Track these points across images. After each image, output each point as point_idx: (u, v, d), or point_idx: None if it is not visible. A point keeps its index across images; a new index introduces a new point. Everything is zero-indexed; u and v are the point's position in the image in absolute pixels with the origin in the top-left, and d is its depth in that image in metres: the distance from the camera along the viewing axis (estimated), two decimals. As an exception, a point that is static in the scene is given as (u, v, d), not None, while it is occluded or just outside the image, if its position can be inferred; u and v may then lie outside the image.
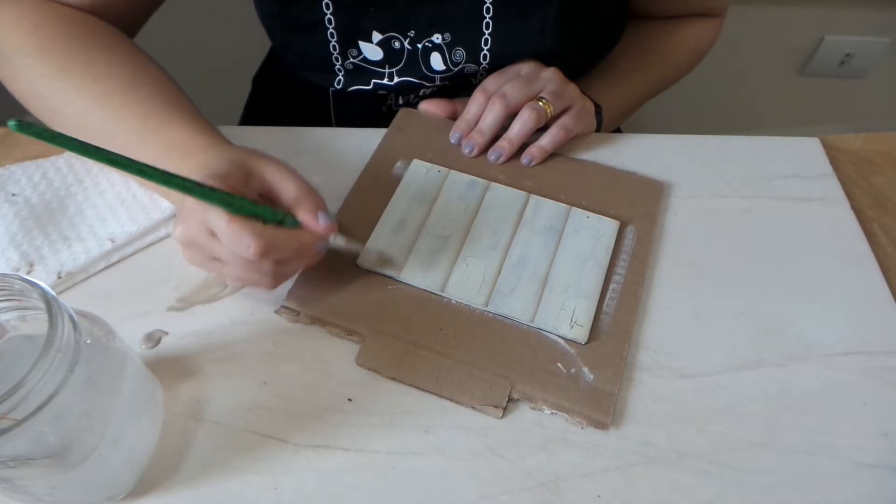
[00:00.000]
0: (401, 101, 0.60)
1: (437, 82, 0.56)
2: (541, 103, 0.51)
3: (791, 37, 1.21)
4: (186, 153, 0.42)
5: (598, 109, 0.55)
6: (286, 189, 0.40)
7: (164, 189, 0.39)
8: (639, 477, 0.38)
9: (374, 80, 0.57)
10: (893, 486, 0.38)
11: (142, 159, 0.41)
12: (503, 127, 0.52)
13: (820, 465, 0.38)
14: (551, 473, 0.38)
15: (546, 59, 0.54)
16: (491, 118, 0.51)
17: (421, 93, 0.58)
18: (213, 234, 0.38)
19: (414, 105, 0.58)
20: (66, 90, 0.46)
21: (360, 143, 0.53)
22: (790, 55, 1.25)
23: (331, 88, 0.59)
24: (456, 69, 0.55)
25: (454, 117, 0.55)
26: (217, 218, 0.37)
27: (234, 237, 0.36)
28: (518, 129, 0.51)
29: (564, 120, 0.52)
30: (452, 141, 0.53)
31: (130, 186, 0.49)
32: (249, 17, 0.57)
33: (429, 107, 0.56)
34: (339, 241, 0.42)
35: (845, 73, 1.27)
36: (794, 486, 0.38)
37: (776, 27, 1.19)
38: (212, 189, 0.36)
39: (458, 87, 0.57)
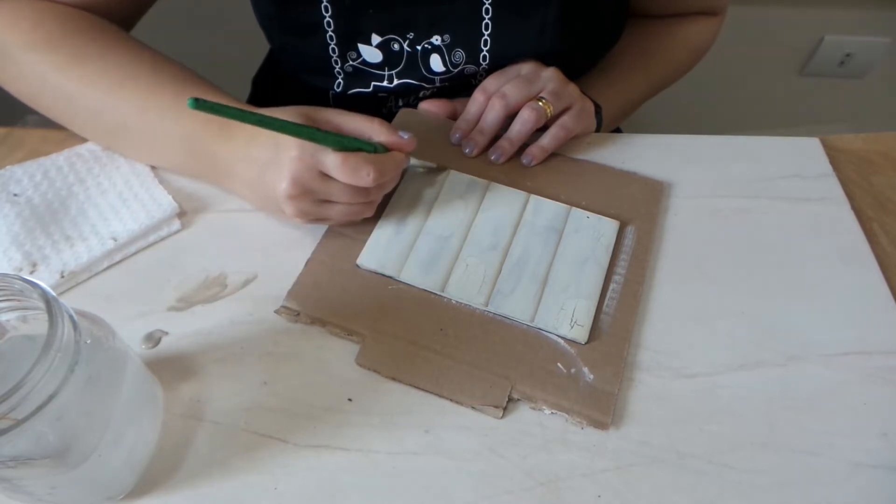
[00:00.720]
0: (400, 103, 0.60)
1: (437, 84, 0.56)
2: (541, 103, 0.51)
3: (791, 37, 1.21)
4: (225, 126, 0.44)
5: (598, 109, 0.55)
6: (357, 125, 0.43)
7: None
8: (639, 477, 0.38)
9: (373, 83, 0.57)
10: (893, 486, 0.38)
11: (179, 133, 0.45)
12: (503, 127, 0.52)
13: (820, 465, 0.38)
14: (551, 473, 0.38)
15: (546, 60, 0.54)
16: (491, 118, 0.51)
17: (421, 94, 0.58)
18: (323, 175, 0.41)
19: (414, 106, 0.58)
20: (85, 77, 0.47)
21: (360, 143, 0.53)
22: (790, 55, 1.25)
23: (330, 91, 0.59)
24: (456, 70, 0.55)
25: (454, 117, 0.55)
26: (331, 158, 0.40)
27: (352, 170, 0.40)
28: (518, 129, 0.51)
29: (564, 120, 0.52)
30: (453, 141, 0.53)
31: (132, 185, 0.49)
32: (249, 17, 0.57)
33: (429, 107, 0.56)
34: (414, 162, 0.48)
35: (845, 73, 1.27)
36: (794, 486, 0.38)
37: (776, 27, 1.19)
38: (320, 131, 0.40)
39: (457, 88, 0.57)
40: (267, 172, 0.42)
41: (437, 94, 0.58)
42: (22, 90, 0.49)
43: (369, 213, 0.46)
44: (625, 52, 0.62)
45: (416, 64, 0.55)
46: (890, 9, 1.16)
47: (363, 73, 0.56)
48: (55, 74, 0.47)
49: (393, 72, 0.56)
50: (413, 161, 0.49)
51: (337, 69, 0.56)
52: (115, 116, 0.47)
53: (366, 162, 0.41)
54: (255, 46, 0.73)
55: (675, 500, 0.37)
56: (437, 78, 0.55)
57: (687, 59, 0.65)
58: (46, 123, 0.51)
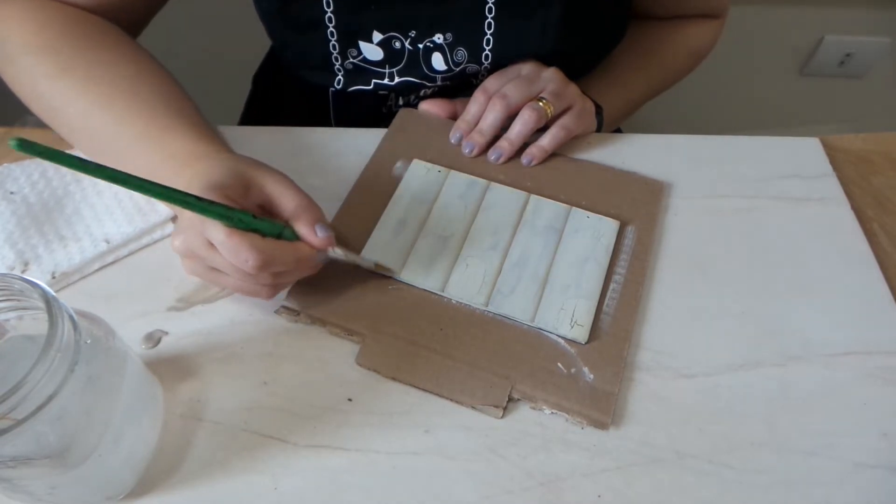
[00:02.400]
0: (401, 102, 0.60)
1: (439, 82, 0.56)
2: (541, 103, 0.51)
3: (791, 37, 1.21)
4: (186, 161, 0.42)
5: (598, 110, 0.55)
6: (285, 201, 0.40)
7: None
8: (639, 477, 0.38)
9: (374, 80, 0.57)
10: (893, 486, 0.38)
11: (143, 165, 0.41)
12: (503, 127, 0.52)
13: (820, 465, 0.38)
14: (551, 473, 0.38)
15: (548, 60, 0.54)
16: (491, 118, 0.51)
17: (422, 93, 0.58)
18: (212, 245, 0.38)
19: (414, 105, 0.57)
20: (68, 90, 0.46)
21: (360, 143, 0.53)
22: (790, 55, 1.25)
23: (331, 88, 0.58)
24: (457, 69, 0.54)
25: (454, 117, 0.55)
26: (216, 231, 0.37)
27: (232, 251, 0.37)
28: (518, 129, 0.51)
29: (565, 120, 0.52)
30: (453, 141, 0.53)
31: (130, 186, 0.49)
32: (249, 16, 0.57)
33: (429, 107, 0.56)
34: (337, 253, 0.42)
35: (845, 73, 1.27)
36: (794, 486, 0.38)
37: (776, 27, 1.19)
38: (211, 203, 0.36)
39: (459, 87, 0.57)
40: (181, 220, 0.41)
41: (438, 92, 0.58)
42: (19, 92, 0.49)
43: (265, 297, 0.41)
44: (626, 54, 0.62)
45: (417, 62, 0.55)
46: (890, 9, 1.16)
47: (364, 70, 0.56)
48: (44, 83, 0.47)
49: (394, 70, 0.55)
50: (336, 253, 0.42)
51: (337, 66, 0.56)
52: (92, 138, 0.47)
53: (249, 246, 0.36)
54: (255, 45, 0.73)
55: (675, 500, 0.37)
56: (438, 76, 0.55)
57: (687, 60, 0.65)
58: (44, 124, 0.51)
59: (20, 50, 0.47)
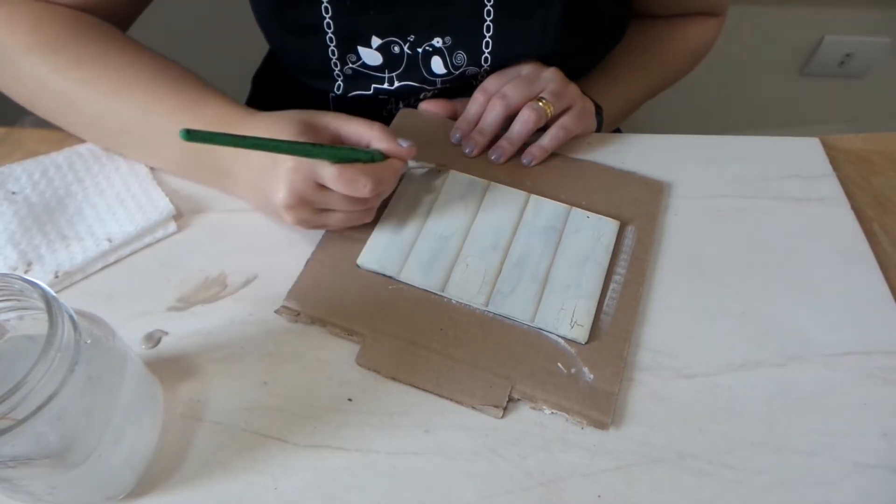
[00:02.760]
0: (401, 105, 0.60)
1: (438, 86, 0.56)
2: (541, 103, 0.51)
3: (791, 37, 1.21)
4: (228, 124, 0.44)
5: (598, 110, 0.55)
6: (355, 131, 0.44)
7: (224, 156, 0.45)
8: (639, 477, 0.38)
9: (374, 85, 0.57)
10: (893, 486, 0.38)
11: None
12: (503, 127, 0.52)
13: (820, 465, 0.38)
14: (551, 473, 0.38)
15: (547, 60, 0.54)
16: (491, 118, 0.51)
17: (422, 96, 0.58)
18: (320, 186, 0.41)
19: (414, 107, 0.57)
20: (84, 81, 0.47)
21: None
22: (790, 55, 1.25)
23: (330, 94, 0.58)
24: (457, 72, 0.54)
25: (454, 117, 0.55)
26: (327, 170, 0.41)
27: (348, 182, 0.41)
28: (518, 129, 0.51)
29: (565, 120, 0.52)
30: (453, 141, 0.53)
31: (130, 186, 0.49)
32: (249, 17, 0.57)
33: (429, 107, 0.56)
34: (412, 164, 0.47)
35: (845, 73, 1.27)
36: (794, 486, 0.38)
37: (776, 27, 1.19)
38: (315, 145, 0.41)
39: (458, 89, 0.57)
40: (264, 179, 0.43)
41: (437, 95, 0.58)
42: (20, 93, 0.49)
43: (368, 219, 0.46)
44: (625, 53, 0.62)
45: (416, 66, 0.55)
46: (890, 9, 1.16)
47: (363, 75, 0.56)
48: (54, 77, 0.47)
49: (393, 74, 0.55)
50: (411, 163, 0.49)
51: (336, 71, 0.56)
52: (117, 120, 0.47)
53: (362, 173, 0.41)
54: (255, 45, 0.73)
55: (675, 500, 0.37)
56: (438, 80, 0.55)
57: (687, 60, 0.65)
58: (43, 124, 0.51)
59: (18, 52, 0.47)
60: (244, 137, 0.37)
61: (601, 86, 0.59)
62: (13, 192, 0.48)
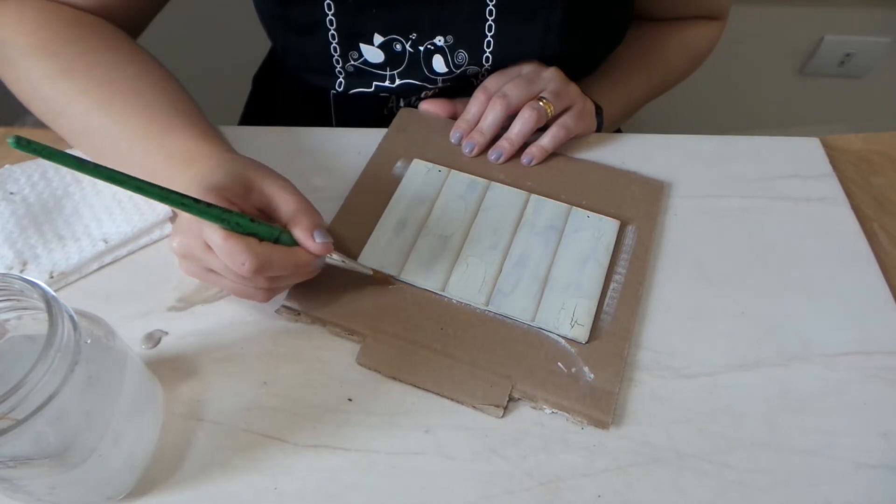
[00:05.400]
0: (402, 104, 0.60)
1: (439, 84, 0.56)
2: (541, 103, 0.51)
3: (791, 37, 1.21)
4: (187, 161, 0.42)
5: (598, 110, 0.55)
6: (284, 205, 0.40)
7: None
8: (639, 477, 0.38)
9: (375, 83, 0.57)
10: (893, 486, 0.38)
11: (145, 165, 0.41)
12: (504, 127, 0.52)
13: (820, 465, 0.38)
14: (551, 473, 0.38)
15: (548, 61, 0.54)
16: (491, 118, 0.51)
17: (423, 94, 0.58)
18: (209, 247, 0.38)
19: (415, 106, 0.57)
20: (69, 92, 0.46)
21: (360, 143, 0.53)
22: (790, 55, 1.25)
23: (332, 91, 0.59)
24: (458, 71, 0.54)
25: (454, 117, 0.55)
26: (213, 234, 0.37)
27: (228, 254, 0.37)
28: (519, 128, 0.51)
29: (565, 119, 0.52)
30: (453, 140, 0.53)
31: (130, 186, 0.49)
32: (249, 17, 0.57)
33: (429, 106, 0.56)
34: (335, 259, 0.42)
35: (845, 73, 1.27)
36: (794, 486, 0.38)
37: (776, 27, 1.19)
38: (209, 205, 0.36)
39: (459, 88, 0.57)
40: (179, 221, 0.40)
41: (438, 94, 0.58)
42: (19, 94, 0.49)
43: (261, 300, 0.41)
44: (626, 55, 0.62)
45: (418, 64, 0.55)
46: (890, 9, 1.16)
47: (365, 73, 0.56)
48: (45, 84, 0.46)
49: (395, 72, 0.55)
50: (334, 258, 0.42)
51: (338, 69, 0.56)
52: (93, 139, 0.46)
53: (245, 249, 0.36)
54: (255, 45, 0.73)
55: (675, 500, 0.37)
56: (439, 78, 0.55)
57: (688, 62, 0.65)
58: (43, 124, 0.51)
59: (19, 52, 0.47)
60: (95, 166, 0.32)
61: (602, 86, 0.59)
62: (11, 193, 0.48)
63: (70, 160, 0.32)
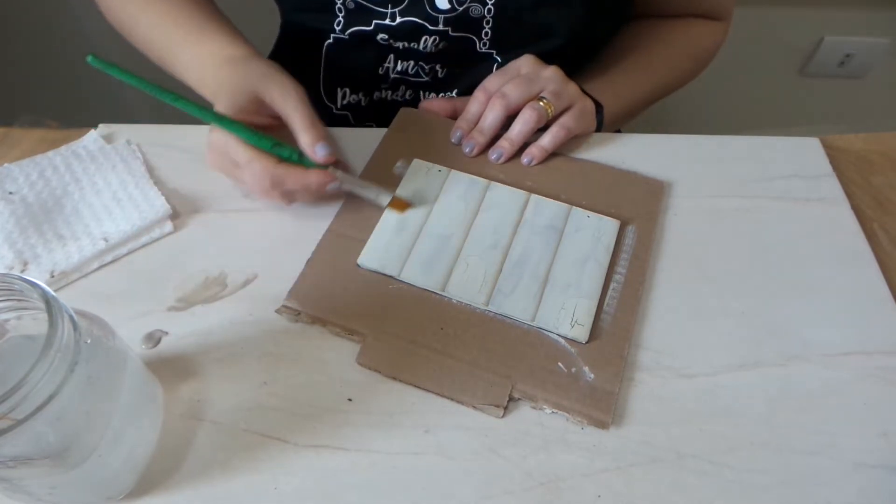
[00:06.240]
0: (399, 66, 0.59)
1: (441, 25, 0.55)
2: (542, 103, 0.51)
3: (791, 37, 1.21)
4: (220, 63, 0.49)
5: (599, 109, 0.55)
6: (290, 119, 0.45)
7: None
8: (639, 477, 0.38)
9: (375, 21, 0.56)
10: (893, 486, 0.38)
11: (189, 66, 0.51)
12: (504, 126, 0.52)
13: (820, 465, 0.38)
14: (551, 473, 0.38)
15: (550, 11, 0.53)
16: (491, 118, 0.51)
17: (423, 41, 0.57)
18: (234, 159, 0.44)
19: (413, 74, 0.56)
20: (135, 13, 0.54)
21: (360, 143, 0.53)
22: (790, 55, 1.25)
23: (332, 34, 0.58)
24: (461, 8, 0.54)
25: (454, 117, 0.55)
26: (237, 150, 0.44)
27: (250, 172, 0.44)
28: (519, 129, 0.51)
29: (565, 119, 0.52)
30: (453, 140, 0.53)
31: (126, 185, 0.49)
32: (250, 17, 0.57)
33: (429, 106, 0.56)
34: (350, 182, 0.47)
35: (845, 73, 1.27)
36: (794, 486, 0.38)
37: (776, 27, 1.19)
38: (238, 124, 0.44)
39: (461, 47, 0.56)
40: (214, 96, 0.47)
41: (439, 53, 0.57)
42: (112, 19, 0.56)
43: (282, 203, 0.47)
44: (627, 53, 0.62)
45: (420, 0, 0.54)
46: (890, 9, 1.16)
47: (365, 9, 0.55)
48: (119, 9, 0.55)
49: (396, 10, 0.55)
50: (354, 187, 0.48)
51: (339, 5, 0.56)
52: (156, 50, 0.54)
53: (262, 171, 0.43)
54: (255, 45, 0.73)
55: (675, 500, 0.37)
56: (441, 17, 0.54)
57: (690, 62, 0.65)
58: (41, 123, 0.51)
59: None
60: (153, 85, 0.43)
61: (602, 84, 0.59)
62: (10, 192, 0.48)
63: (134, 79, 0.42)
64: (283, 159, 0.45)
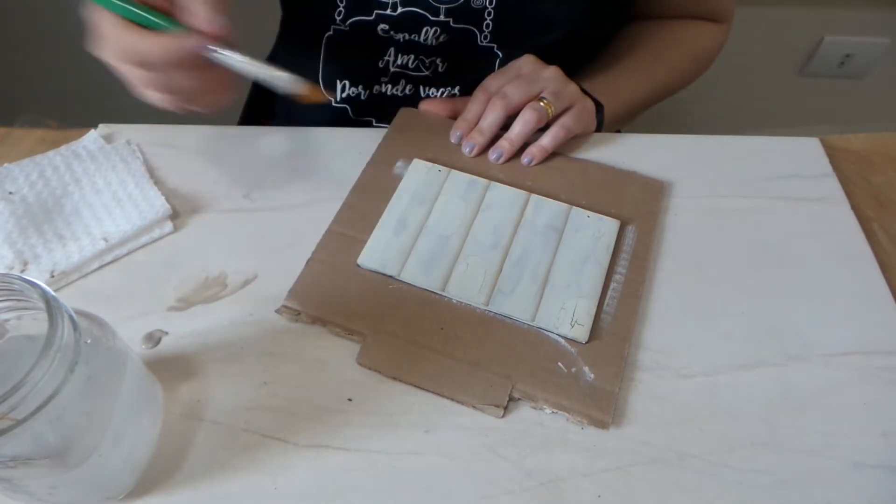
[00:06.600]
0: (400, 60, 0.59)
1: (442, 16, 0.55)
2: (542, 103, 0.51)
3: (791, 37, 1.21)
4: None
5: (599, 109, 0.55)
6: None
7: None
8: (639, 477, 0.38)
9: (376, 11, 0.56)
10: (893, 486, 0.38)
11: None
12: (504, 126, 0.52)
13: (820, 465, 0.38)
14: (551, 473, 0.38)
15: (553, 21, 0.53)
16: (491, 118, 0.51)
17: (424, 33, 0.57)
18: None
19: (413, 68, 0.56)
20: None
21: (360, 143, 0.53)
22: (790, 55, 1.25)
23: (332, 25, 0.58)
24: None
25: (454, 117, 0.55)
26: (105, 23, 0.37)
27: (108, 42, 0.37)
28: (519, 129, 0.51)
29: (565, 119, 0.52)
30: (453, 140, 0.53)
31: (126, 185, 0.49)
32: (250, 17, 0.57)
33: (429, 106, 0.55)
34: (235, 60, 0.39)
35: (845, 73, 1.27)
36: (794, 486, 0.38)
37: (776, 27, 1.19)
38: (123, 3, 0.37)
39: (461, 39, 0.56)
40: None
41: (441, 35, 0.57)
42: None
43: (164, 106, 0.41)
44: (628, 53, 0.62)
45: None
46: (890, 9, 1.16)
47: None
48: None
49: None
50: (226, 53, 0.40)
51: None
52: None
53: (114, 36, 0.37)
54: (255, 45, 0.73)
55: (675, 500, 0.37)
56: (442, 7, 0.54)
57: (691, 62, 0.65)
58: (40, 123, 0.51)
59: None
60: None
61: (603, 84, 0.59)
62: (10, 192, 0.48)
63: None
64: None
